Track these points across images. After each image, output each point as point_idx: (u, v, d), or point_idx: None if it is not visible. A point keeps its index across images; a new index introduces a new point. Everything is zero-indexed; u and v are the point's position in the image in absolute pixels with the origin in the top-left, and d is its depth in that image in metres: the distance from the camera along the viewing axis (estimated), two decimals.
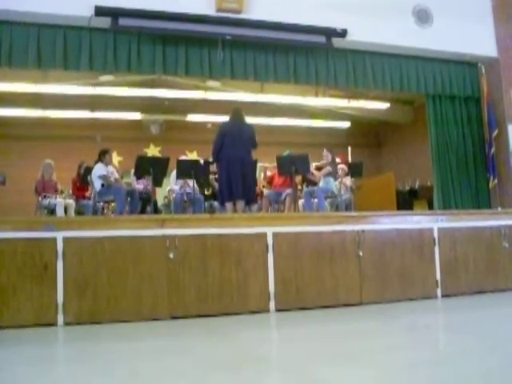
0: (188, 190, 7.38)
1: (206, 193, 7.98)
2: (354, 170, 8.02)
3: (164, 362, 2.96)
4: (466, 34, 7.41)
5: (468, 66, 7.91)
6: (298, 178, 7.93)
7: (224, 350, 3.28)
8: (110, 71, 7.68)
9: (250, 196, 6.15)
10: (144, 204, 7.31)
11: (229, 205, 6.06)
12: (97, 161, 7.06)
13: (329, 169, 7.39)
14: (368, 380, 2.54)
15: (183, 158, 8.35)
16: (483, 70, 7.82)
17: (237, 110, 6.43)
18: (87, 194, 7.72)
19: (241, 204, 6.04)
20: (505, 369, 2.65)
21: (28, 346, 3.59)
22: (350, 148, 10.70)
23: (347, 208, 7.82)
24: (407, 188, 10.89)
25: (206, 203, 7.66)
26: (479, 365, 2.75)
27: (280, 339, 3.91)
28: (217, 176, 7.11)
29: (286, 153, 7.82)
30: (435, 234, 5.40)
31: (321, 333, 3.86)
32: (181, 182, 7.52)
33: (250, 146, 6.22)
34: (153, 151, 12.00)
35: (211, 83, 9.76)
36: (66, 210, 7.27)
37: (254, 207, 6.41)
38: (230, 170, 5.99)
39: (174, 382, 2.58)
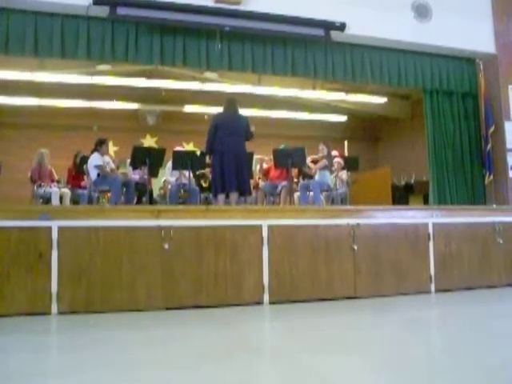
0: (184, 181, 7.38)
1: (203, 185, 7.96)
2: (351, 164, 8.05)
3: (157, 351, 2.97)
4: (464, 29, 7.41)
5: (466, 61, 7.91)
6: (294, 171, 7.93)
7: (217, 340, 3.29)
8: (108, 61, 7.67)
9: (244, 188, 6.04)
10: (140, 194, 7.31)
11: (221, 197, 5.98)
12: (93, 150, 7.04)
13: (325, 162, 7.39)
14: (360, 370, 2.56)
15: (179, 148, 8.34)
16: (481, 67, 7.83)
17: (231, 101, 6.27)
18: (83, 183, 7.70)
19: (234, 196, 5.97)
20: (497, 360, 2.68)
21: (21, 334, 3.58)
22: (346, 142, 10.70)
23: (343, 202, 7.84)
24: (403, 183, 10.92)
25: (202, 195, 7.66)
26: (472, 358, 2.77)
27: (273, 330, 3.92)
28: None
29: (282, 145, 7.82)
30: (430, 229, 5.42)
31: (314, 324, 3.88)
32: (177, 173, 7.51)
33: (244, 137, 6.09)
34: (149, 142, 11.98)
35: (209, 74, 9.73)
36: (61, 199, 7.27)
37: (249, 199, 6.34)
38: (224, 162, 5.88)
39: (168, 371, 2.59)
